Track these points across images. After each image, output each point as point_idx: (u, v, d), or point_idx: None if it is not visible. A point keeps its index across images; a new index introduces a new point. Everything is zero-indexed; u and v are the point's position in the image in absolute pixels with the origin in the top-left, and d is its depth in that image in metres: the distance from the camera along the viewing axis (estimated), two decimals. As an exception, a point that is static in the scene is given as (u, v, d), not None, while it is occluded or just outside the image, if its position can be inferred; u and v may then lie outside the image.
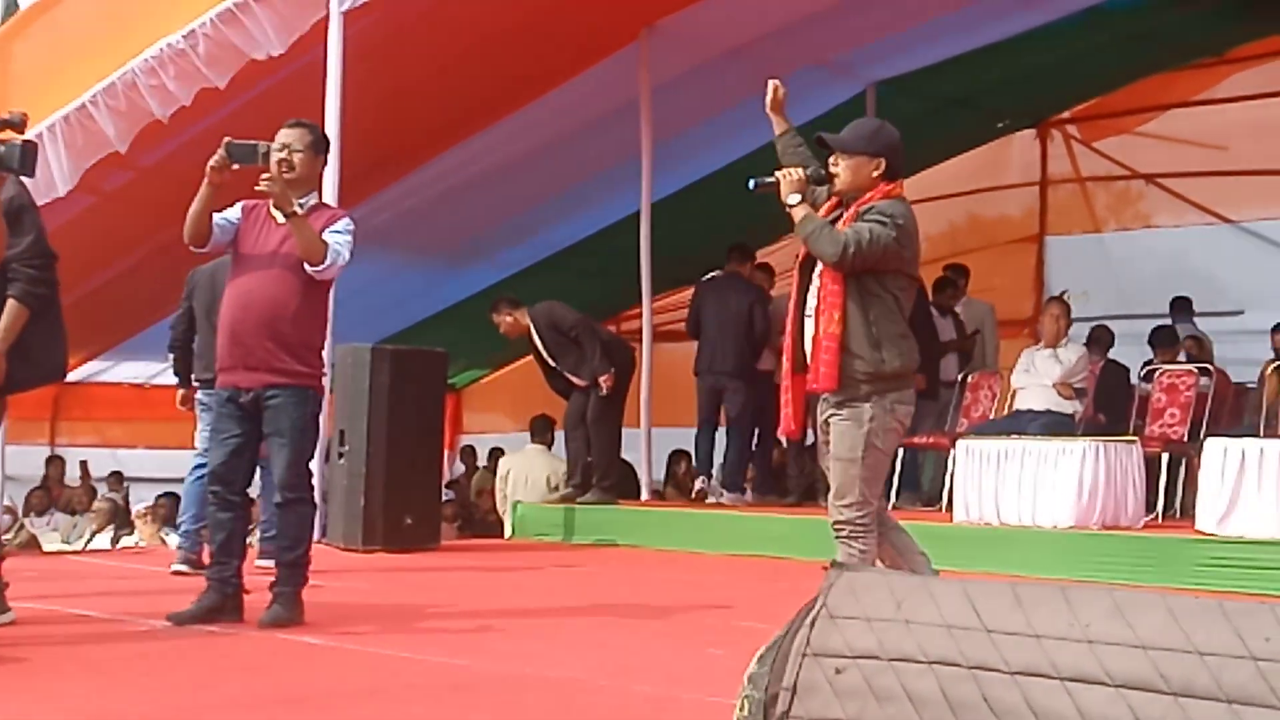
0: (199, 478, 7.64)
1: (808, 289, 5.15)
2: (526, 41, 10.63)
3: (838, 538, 5.09)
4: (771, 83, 5.48)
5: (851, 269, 4.95)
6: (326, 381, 9.23)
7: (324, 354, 5.97)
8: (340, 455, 9.32)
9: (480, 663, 5.03)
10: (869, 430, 4.98)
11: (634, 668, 5.03)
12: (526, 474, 12.24)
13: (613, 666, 5.04)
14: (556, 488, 11.85)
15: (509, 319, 10.54)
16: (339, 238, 5.75)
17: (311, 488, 5.99)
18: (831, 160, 5.13)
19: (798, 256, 5.30)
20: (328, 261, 5.68)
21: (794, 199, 5.11)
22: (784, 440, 11.48)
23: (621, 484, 11.38)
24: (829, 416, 5.09)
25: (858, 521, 5.04)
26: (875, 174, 5.09)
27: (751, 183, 5.37)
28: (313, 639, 5.42)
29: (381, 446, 9.16)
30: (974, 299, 12.13)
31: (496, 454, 14.61)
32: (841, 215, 5.08)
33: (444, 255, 14.14)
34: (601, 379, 10.30)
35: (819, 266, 5.08)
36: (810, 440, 11.60)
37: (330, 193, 9.21)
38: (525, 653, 5.30)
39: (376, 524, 9.11)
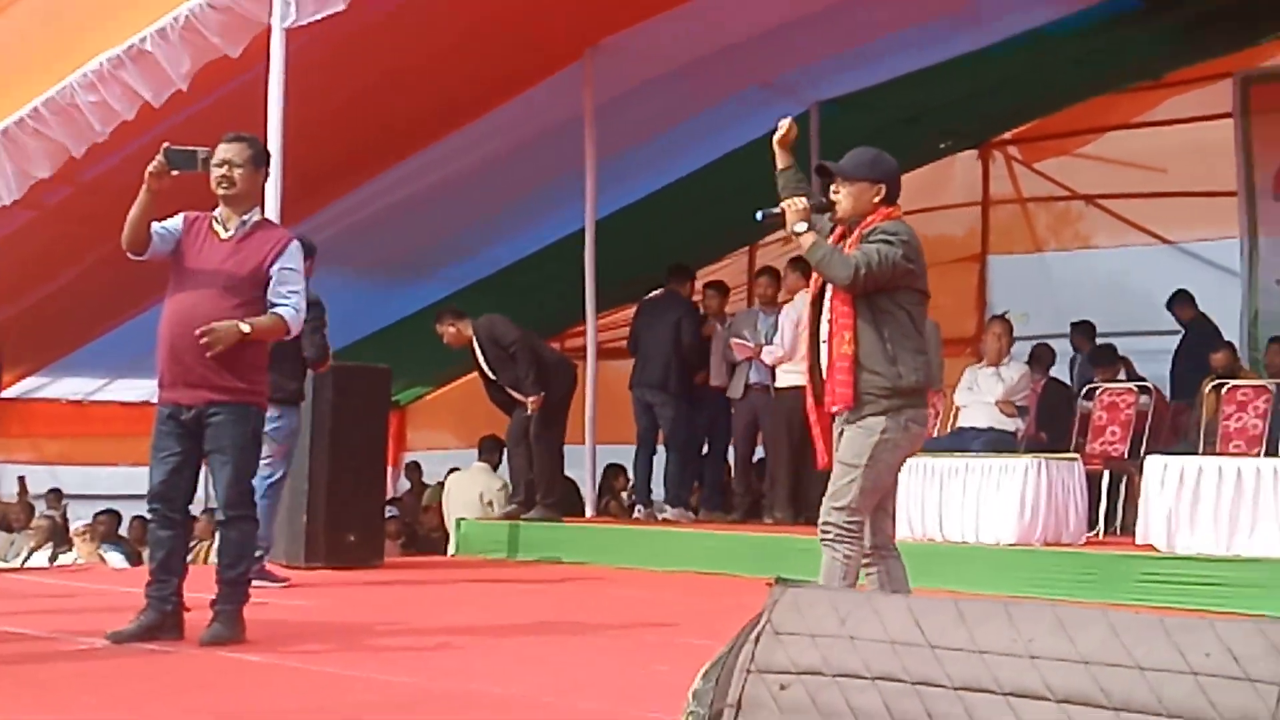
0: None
1: (820, 319, 5.22)
2: (471, 59, 10.62)
3: (823, 541, 5.10)
4: (784, 121, 5.55)
5: (863, 290, 5.02)
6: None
7: (264, 368, 5.88)
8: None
9: (424, 680, 5.00)
10: (878, 441, 5.01)
11: (579, 684, 5.02)
12: (466, 491, 12.28)
13: (558, 683, 5.03)
14: (490, 504, 11.88)
15: (452, 329, 10.53)
16: (290, 290, 5.73)
17: (254, 505, 5.96)
18: (833, 188, 5.21)
19: (810, 289, 5.37)
20: (293, 329, 5.78)
21: (801, 227, 5.17)
22: (730, 458, 11.52)
23: (565, 501, 11.37)
24: (842, 431, 5.14)
25: (844, 525, 5.04)
26: (876, 199, 5.16)
27: (759, 214, 5.41)
28: (254, 657, 5.37)
29: (324, 463, 9.10)
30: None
31: (452, 472, 14.59)
32: (846, 242, 5.15)
33: (387, 272, 14.10)
34: (529, 399, 10.31)
35: (829, 292, 5.15)
36: (759, 457, 11.71)
37: (273, 209, 9.17)
38: (470, 670, 5.28)
39: (319, 541, 9.05)
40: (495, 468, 12.53)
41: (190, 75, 9.26)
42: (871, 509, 5.11)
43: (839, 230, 5.24)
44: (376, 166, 12.00)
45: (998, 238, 15.22)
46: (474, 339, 10.45)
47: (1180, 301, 12.16)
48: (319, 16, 9.04)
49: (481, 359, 10.50)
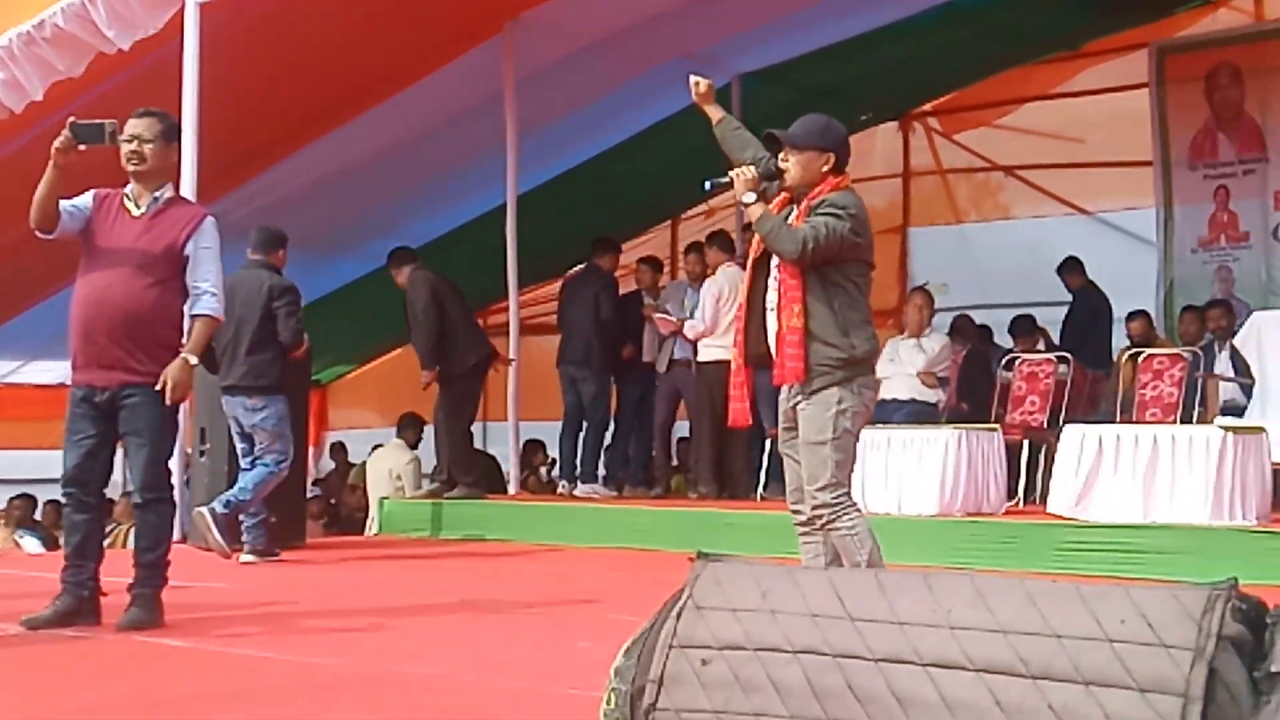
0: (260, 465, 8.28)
1: (765, 286, 5.17)
2: (390, 34, 10.51)
3: (823, 527, 5.05)
4: (692, 78, 5.54)
5: (811, 263, 4.97)
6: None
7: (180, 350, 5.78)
8: (201, 454, 9.15)
9: (345, 662, 4.96)
10: (837, 413, 4.98)
11: (499, 663, 4.99)
12: (379, 469, 12.39)
13: (478, 662, 5.00)
14: (400, 479, 11.85)
15: (395, 273, 10.57)
16: (207, 273, 5.65)
17: (171, 487, 5.89)
18: (781, 156, 5.16)
19: (750, 254, 5.34)
20: (220, 318, 5.80)
21: (749, 197, 5.10)
22: (654, 431, 11.52)
23: (487, 478, 11.34)
24: (795, 404, 5.10)
25: (834, 501, 5.00)
26: (825, 168, 5.13)
27: (708, 184, 5.40)
28: (174, 641, 5.31)
29: (244, 443, 9.00)
30: None
31: (375, 450, 14.54)
32: (793, 211, 5.11)
33: (307, 249, 13.93)
34: (423, 374, 10.27)
35: (775, 261, 5.11)
36: (683, 435, 11.71)
37: (189, 187, 9.06)
38: (391, 650, 5.24)
39: (239, 523, 8.94)
40: (414, 445, 12.49)
41: (88, 56, 9.12)
42: (850, 477, 5.11)
43: (784, 197, 5.21)
44: (296, 142, 11.86)
45: (918, 209, 15.31)
46: (407, 292, 10.44)
47: (1070, 269, 12.18)
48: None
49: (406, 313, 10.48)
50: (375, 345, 16.29)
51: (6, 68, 9.31)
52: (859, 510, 5.09)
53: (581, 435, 11.32)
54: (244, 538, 8.52)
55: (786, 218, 5.10)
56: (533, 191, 12.43)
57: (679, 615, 3.11)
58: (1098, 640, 2.67)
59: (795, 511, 5.20)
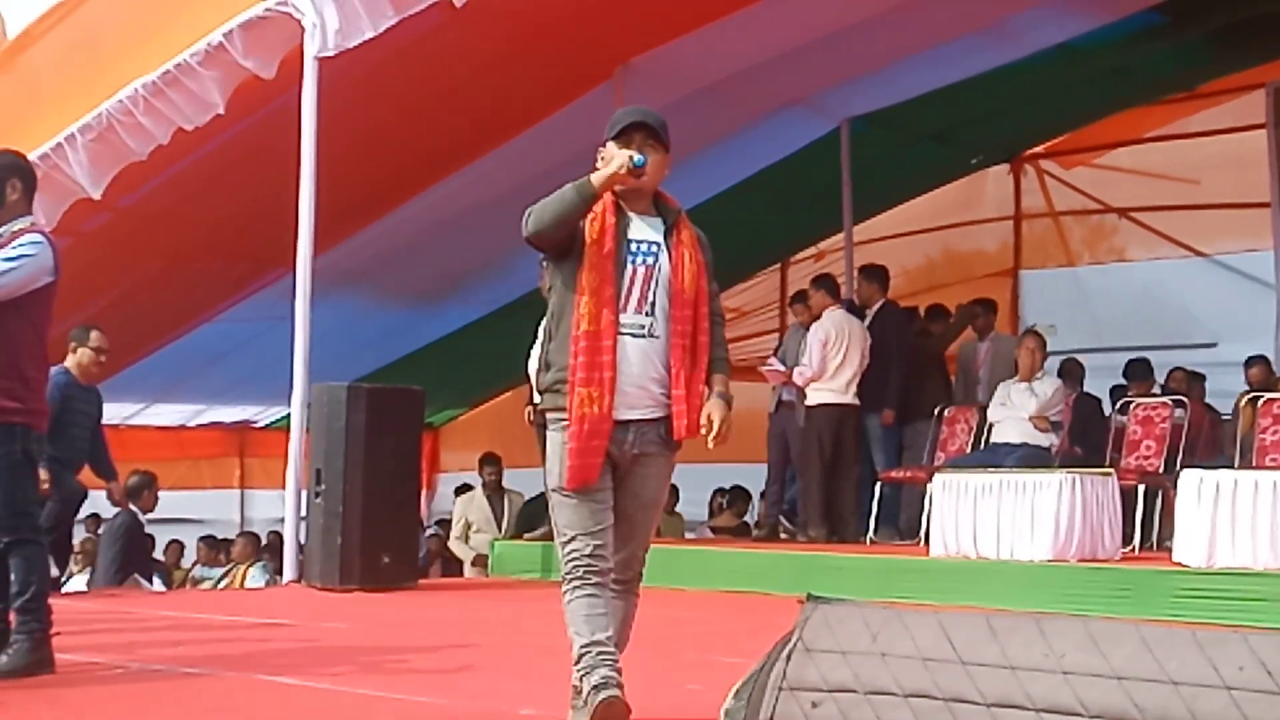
0: None
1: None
2: (502, 81, 10.66)
3: (630, 590, 4.61)
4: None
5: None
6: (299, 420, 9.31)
7: (37, 384, 5.45)
8: (317, 494, 9.28)
9: (454, 702, 5.00)
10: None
11: (611, 705, 4.99)
12: (465, 514, 12.99)
13: (590, 704, 5.01)
14: (470, 526, 12.60)
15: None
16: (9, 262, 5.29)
17: (35, 528, 5.52)
18: (637, 149, 4.40)
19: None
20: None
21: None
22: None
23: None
24: (648, 454, 4.29)
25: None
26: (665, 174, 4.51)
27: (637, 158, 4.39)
28: (288, 679, 5.39)
29: (358, 485, 9.12)
30: (1002, 333, 12.08)
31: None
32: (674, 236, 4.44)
33: (421, 295, 14.15)
34: None
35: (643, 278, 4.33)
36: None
37: (306, 235, 9.24)
38: (499, 691, 5.28)
39: (354, 563, 9.06)
40: (494, 484, 12.90)
41: (225, 98, 9.35)
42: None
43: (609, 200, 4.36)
44: (410, 190, 12.06)
45: (1030, 252, 15.19)
46: None
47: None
48: (352, 44, 9.11)
49: None
50: (484, 389, 16.44)
51: (133, 115, 9.58)
52: None
53: None
54: None
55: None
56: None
57: (789, 657, 3.12)
58: (1215, 687, 2.63)
59: (605, 561, 4.35)
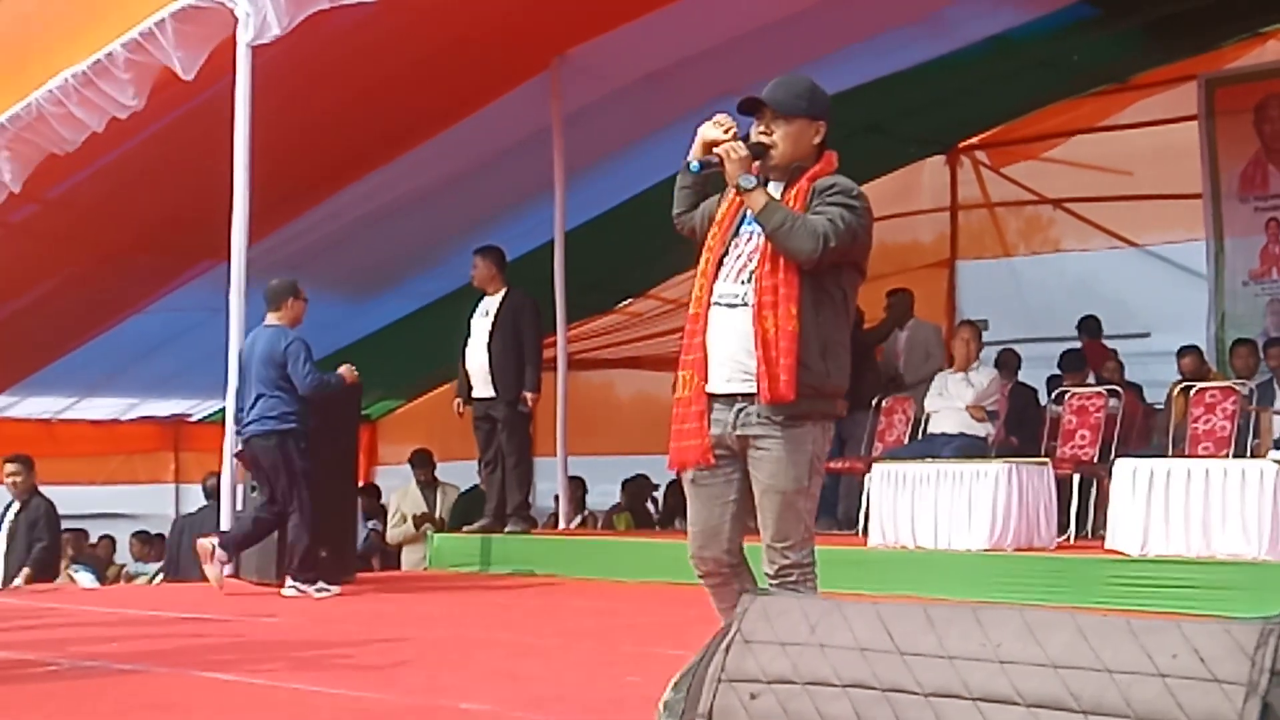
0: None
1: (727, 271, 4.14)
2: (438, 71, 10.60)
3: (783, 583, 4.07)
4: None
5: (819, 266, 4.02)
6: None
7: None
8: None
9: (394, 696, 4.96)
10: (813, 455, 4.04)
11: (548, 697, 4.99)
12: (400, 506, 12.97)
13: (526, 697, 4.99)
14: (404, 519, 12.65)
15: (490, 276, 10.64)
16: None
17: None
18: (760, 126, 4.18)
19: (721, 221, 4.23)
20: None
21: (747, 181, 4.06)
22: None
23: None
24: (753, 433, 4.03)
25: (806, 563, 4.10)
26: (817, 140, 4.23)
27: (695, 165, 4.22)
28: (225, 675, 5.33)
29: (294, 479, 9.04)
30: (921, 320, 12.12)
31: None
32: (787, 195, 4.15)
33: (356, 287, 14.05)
34: (532, 396, 10.25)
35: (751, 246, 4.11)
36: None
37: (240, 224, 9.15)
38: (439, 685, 5.25)
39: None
40: (426, 479, 12.95)
41: (146, 91, 9.26)
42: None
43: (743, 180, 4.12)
44: (343, 180, 11.97)
45: (966, 243, 15.29)
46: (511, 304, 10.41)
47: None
48: (285, 31, 9.02)
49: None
50: (421, 381, 16.36)
51: (63, 105, 9.46)
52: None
53: None
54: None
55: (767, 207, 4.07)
56: (580, 227, 12.48)
57: (727, 649, 3.11)
58: (1149, 675, 2.65)
59: (703, 560, 4.16)
